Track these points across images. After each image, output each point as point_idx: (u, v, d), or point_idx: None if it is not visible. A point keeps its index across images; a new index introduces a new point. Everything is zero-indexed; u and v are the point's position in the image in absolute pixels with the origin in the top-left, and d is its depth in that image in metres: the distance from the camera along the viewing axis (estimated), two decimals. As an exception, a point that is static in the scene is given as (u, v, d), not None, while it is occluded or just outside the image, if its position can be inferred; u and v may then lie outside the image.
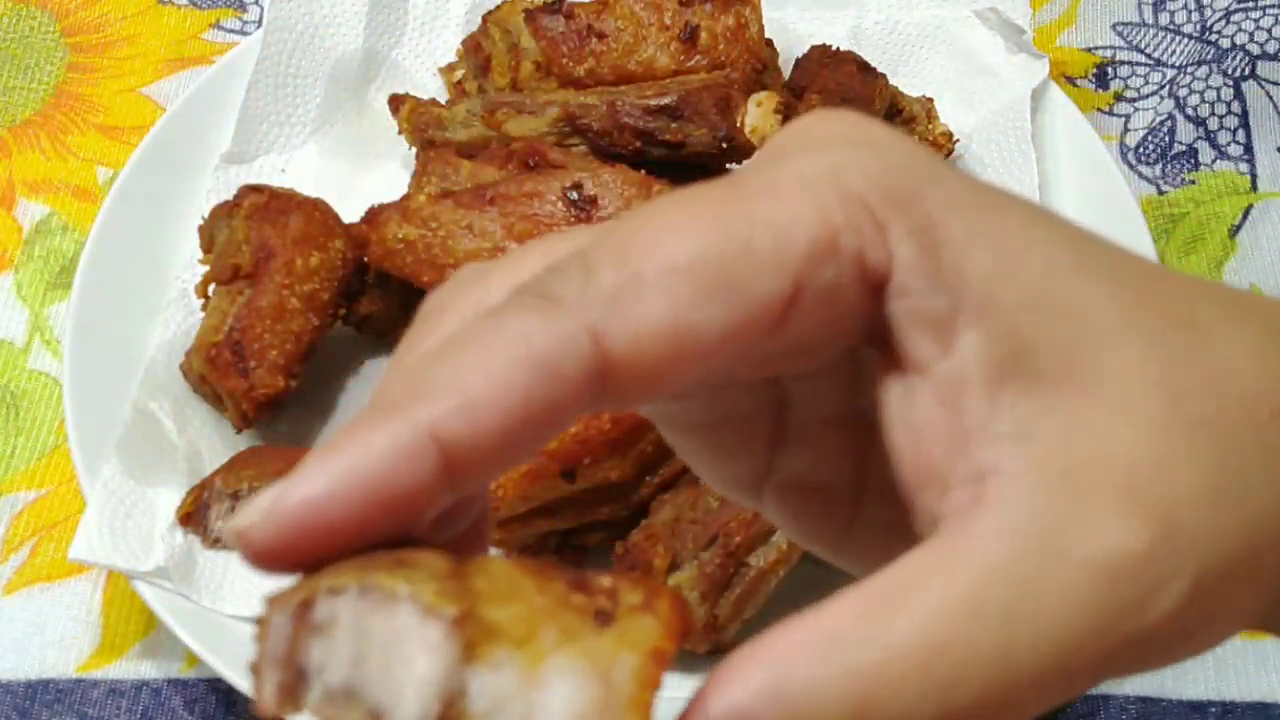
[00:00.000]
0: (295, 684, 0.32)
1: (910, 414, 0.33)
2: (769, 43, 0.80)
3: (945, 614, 0.30)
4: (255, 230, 0.72)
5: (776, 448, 0.38)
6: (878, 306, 0.33)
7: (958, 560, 0.31)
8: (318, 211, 0.74)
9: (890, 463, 0.34)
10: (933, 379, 0.32)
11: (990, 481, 0.31)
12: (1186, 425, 0.32)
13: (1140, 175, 0.85)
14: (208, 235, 0.75)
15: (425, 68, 0.86)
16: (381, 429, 0.31)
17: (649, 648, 0.32)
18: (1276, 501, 0.32)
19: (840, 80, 0.78)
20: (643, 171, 0.69)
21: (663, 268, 0.32)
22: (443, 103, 0.80)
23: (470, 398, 0.31)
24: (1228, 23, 0.92)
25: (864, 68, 0.78)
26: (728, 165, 0.77)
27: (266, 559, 0.31)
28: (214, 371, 0.71)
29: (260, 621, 0.32)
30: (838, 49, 0.80)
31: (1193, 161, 0.85)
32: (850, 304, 0.32)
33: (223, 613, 0.67)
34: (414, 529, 0.32)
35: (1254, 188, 0.84)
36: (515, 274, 0.33)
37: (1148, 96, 0.89)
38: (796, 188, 0.32)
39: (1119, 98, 0.89)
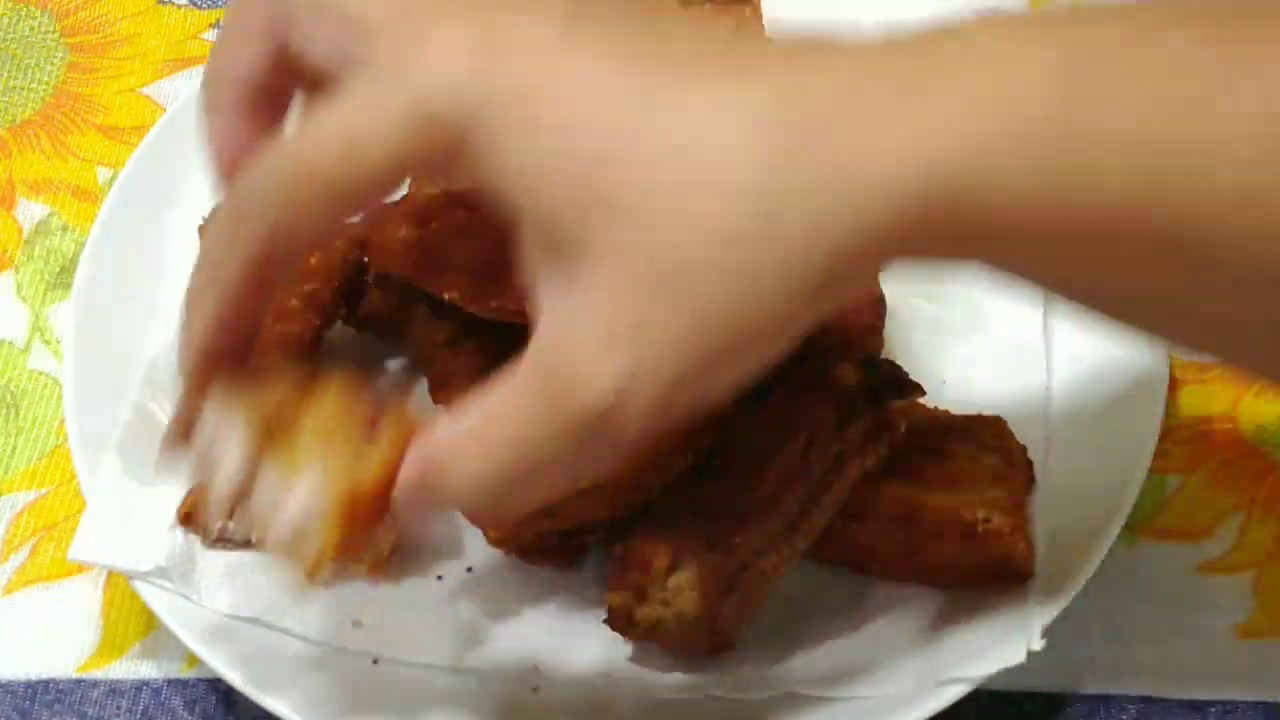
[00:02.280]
0: (187, 430, 0.55)
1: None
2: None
3: (488, 414, 0.48)
4: None
5: None
6: None
7: (496, 392, 0.47)
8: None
9: None
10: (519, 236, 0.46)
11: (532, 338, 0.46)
12: (657, 283, 0.43)
13: (1140, 175, 0.85)
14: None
15: (425, 68, 0.86)
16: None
17: (360, 484, 0.50)
18: (717, 313, 0.44)
19: (840, 80, 0.78)
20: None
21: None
22: (443, 103, 0.80)
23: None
24: (1228, 23, 0.91)
25: (864, 68, 0.78)
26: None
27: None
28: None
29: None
30: (838, 49, 0.80)
31: (1193, 161, 0.85)
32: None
33: (223, 613, 0.67)
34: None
35: (1254, 188, 0.84)
36: None
37: (1148, 96, 0.89)
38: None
39: (1119, 98, 0.89)
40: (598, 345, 0.44)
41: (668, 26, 0.47)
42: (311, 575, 0.51)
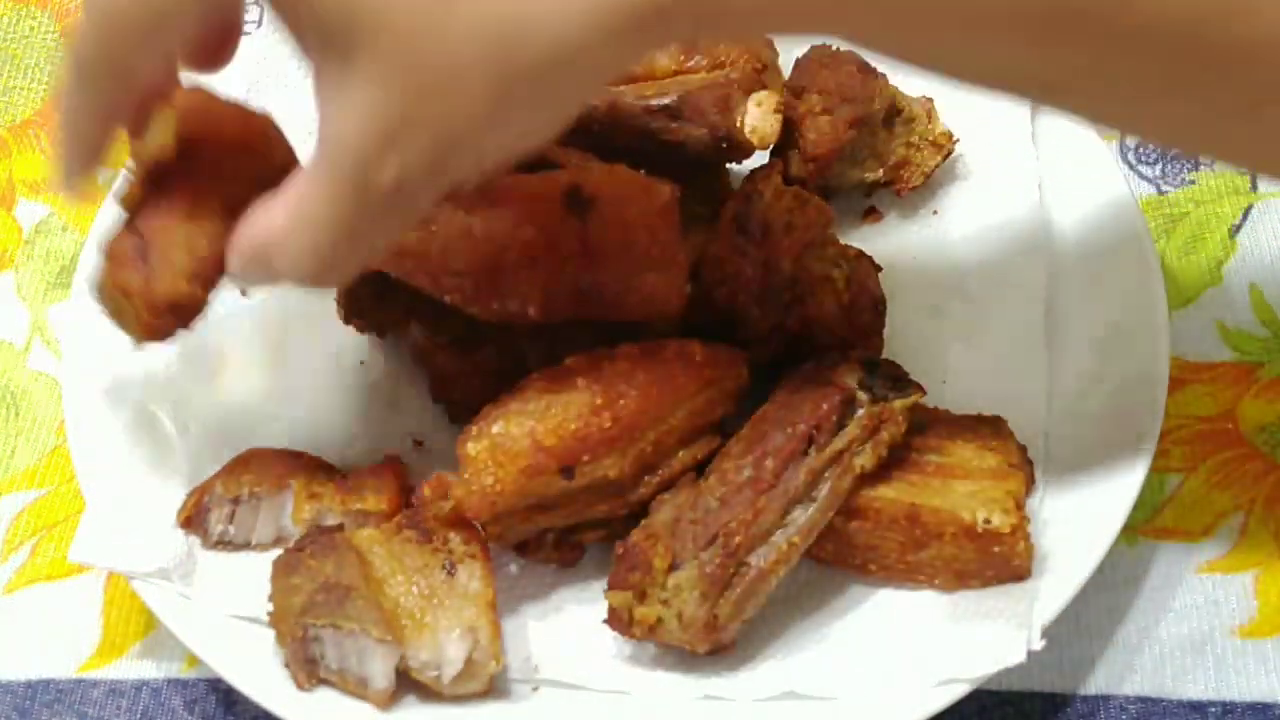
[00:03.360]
0: (312, 667, 0.65)
1: None
2: (769, 43, 0.80)
3: (298, 205, 0.55)
4: (187, 129, 0.63)
5: None
6: None
7: (299, 186, 0.56)
8: (258, 119, 0.66)
9: None
10: None
11: None
12: (420, 79, 0.51)
13: (1140, 175, 0.85)
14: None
15: (425, 68, 0.86)
16: None
17: (482, 600, 0.65)
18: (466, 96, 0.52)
19: (840, 80, 0.78)
20: (642, 171, 0.69)
21: None
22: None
23: None
24: (1228, 22, 0.91)
25: (864, 68, 0.78)
26: (727, 165, 0.77)
27: None
28: (110, 265, 0.62)
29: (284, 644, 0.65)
30: (838, 49, 0.80)
31: (1193, 161, 0.85)
32: None
33: (223, 613, 0.67)
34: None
35: (1254, 188, 0.84)
36: None
37: (1148, 96, 0.88)
38: None
39: (1119, 98, 0.89)
40: (377, 139, 0.51)
41: None
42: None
